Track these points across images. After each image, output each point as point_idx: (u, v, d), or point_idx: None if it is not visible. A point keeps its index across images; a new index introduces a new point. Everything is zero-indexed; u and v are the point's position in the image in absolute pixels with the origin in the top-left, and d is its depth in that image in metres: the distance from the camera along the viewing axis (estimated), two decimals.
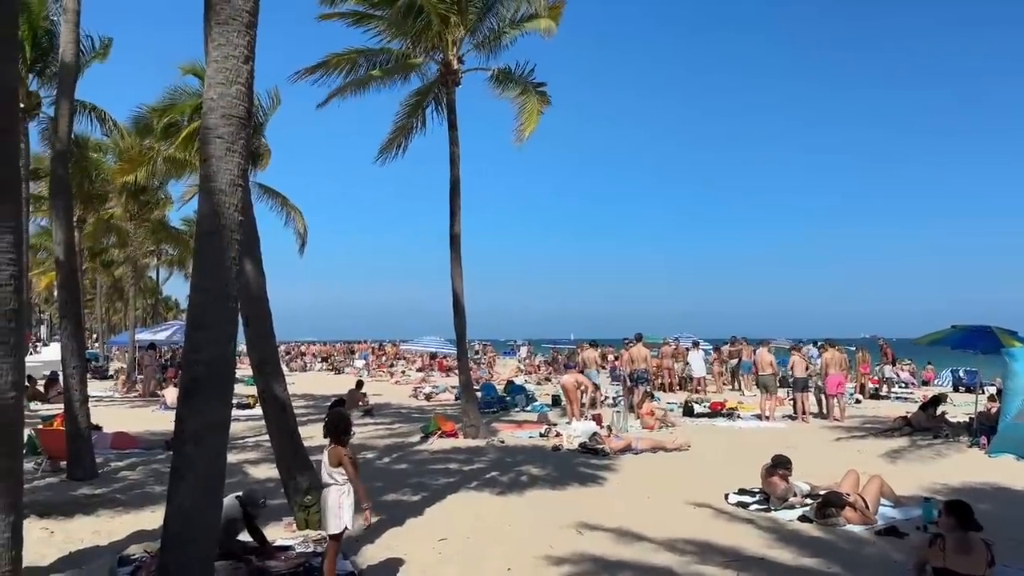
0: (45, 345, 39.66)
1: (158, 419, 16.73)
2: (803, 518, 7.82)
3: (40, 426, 11.75)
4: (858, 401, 21.22)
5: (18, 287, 5.85)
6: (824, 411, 17.35)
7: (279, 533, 7.18)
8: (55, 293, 43.41)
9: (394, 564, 6.27)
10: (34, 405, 18.06)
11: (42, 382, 21.32)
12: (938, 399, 15.66)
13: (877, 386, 24.11)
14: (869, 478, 8.27)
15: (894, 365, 27.02)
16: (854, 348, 24.91)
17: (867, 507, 7.71)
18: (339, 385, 26.80)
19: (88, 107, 19.84)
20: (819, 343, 20.92)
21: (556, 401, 20.16)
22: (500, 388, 22.26)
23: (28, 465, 7.81)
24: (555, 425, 14.78)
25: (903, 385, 26.44)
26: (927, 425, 14.25)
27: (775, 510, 8.17)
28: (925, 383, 27.60)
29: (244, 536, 6.52)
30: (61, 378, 12.90)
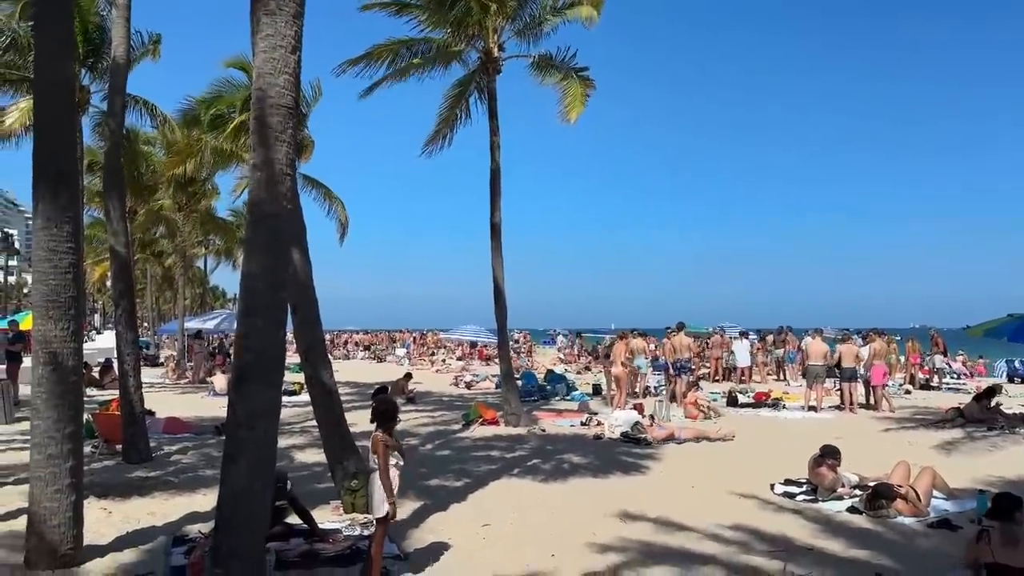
0: (99, 333, 40.88)
1: (207, 405, 17.17)
2: (852, 509, 7.67)
3: (96, 411, 12.13)
4: (908, 392, 20.71)
5: (76, 275, 6.05)
6: (871, 402, 16.99)
7: (327, 516, 7.31)
8: (108, 283, 44.69)
9: (439, 548, 6.33)
10: (90, 391, 18.62)
11: (97, 369, 21.99)
12: (993, 390, 15.18)
13: (928, 376, 23.50)
14: (921, 470, 8.08)
15: (946, 355, 26.27)
16: (899, 337, 24.28)
17: (919, 499, 7.54)
18: (381, 373, 27.14)
19: (139, 101, 20.28)
20: (863, 332, 20.39)
21: (597, 390, 20.12)
22: (540, 377, 22.28)
23: (86, 448, 8.07)
24: (596, 414, 14.75)
25: (955, 376, 25.71)
26: (981, 417, 13.85)
27: (823, 501, 8.04)
28: (968, 375, 26.78)
29: (292, 519, 6.67)
30: (116, 365, 13.31)
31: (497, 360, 21.42)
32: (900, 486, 7.67)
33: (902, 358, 24.14)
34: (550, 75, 15.19)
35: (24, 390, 14.99)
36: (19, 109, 17.38)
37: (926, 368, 24.19)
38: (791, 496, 8.35)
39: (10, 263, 46.14)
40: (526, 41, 15.23)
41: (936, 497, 7.90)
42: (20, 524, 6.27)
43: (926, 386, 22.57)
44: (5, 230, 53.78)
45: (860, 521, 7.36)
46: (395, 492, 5.38)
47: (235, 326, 5.28)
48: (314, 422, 9.06)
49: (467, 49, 15.07)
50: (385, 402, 5.79)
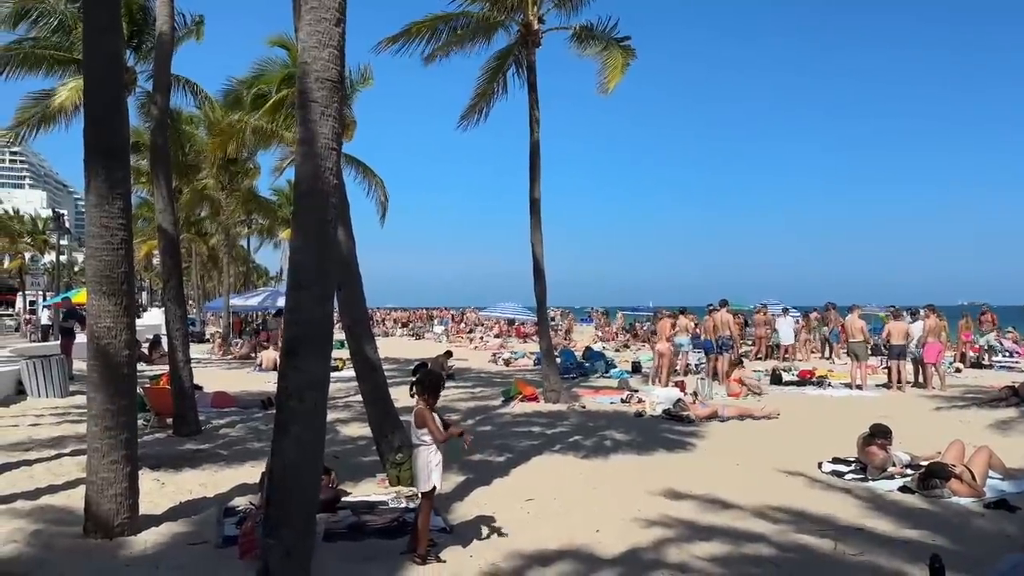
0: (147, 310, 41.95)
1: (254, 380, 17.51)
2: (904, 489, 7.48)
3: (147, 385, 12.43)
4: (959, 370, 20.17)
5: (128, 251, 6.15)
6: (919, 380, 16.59)
7: (372, 489, 7.41)
8: (154, 261, 45.69)
9: (484, 521, 6.35)
10: (139, 366, 19.03)
11: (146, 345, 22.54)
12: None
13: (978, 354, 22.86)
14: (976, 449, 7.83)
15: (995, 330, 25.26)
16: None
17: (974, 479, 7.32)
18: (420, 350, 27.37)
19: (182, 81, 20.52)
20: (911, 309, 19.83)
21: (636, 368, 19.99)
22: (579, 355, 22.22)
23: (138, 421, 8.27)
24: (636, 391, 14.66)
25: (1008, 354, 24.94)
26: None
27: (873, 480, 7.87)
28: (1021, 353, 25.87)
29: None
30: (164, 341, 13.61)
31: (534, 337, 21.36)
32: (955, 465, 7.47)
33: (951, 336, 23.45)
34: (591, 46, 14.95)
35: (78, 365, 15.45)
36: (68, 88, 17.70)
37: (976, 346, 23.52)
38: (839, 475, 8.19)
39: (61, 242, 47.50)
40: (565, 12, 15.01)
41: (992, 477, 7.66)
42: (78, 494, 6.46)
43: (977, 364, 21.96)
44: (56, 210, 55.29)
45: (913, 501, 7.18)
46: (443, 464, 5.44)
47: (279, 303, 5.31)
48: (358, 397, 9.15)
49: (506, 21, 14.88)
50: (429, 374, 5.80)
